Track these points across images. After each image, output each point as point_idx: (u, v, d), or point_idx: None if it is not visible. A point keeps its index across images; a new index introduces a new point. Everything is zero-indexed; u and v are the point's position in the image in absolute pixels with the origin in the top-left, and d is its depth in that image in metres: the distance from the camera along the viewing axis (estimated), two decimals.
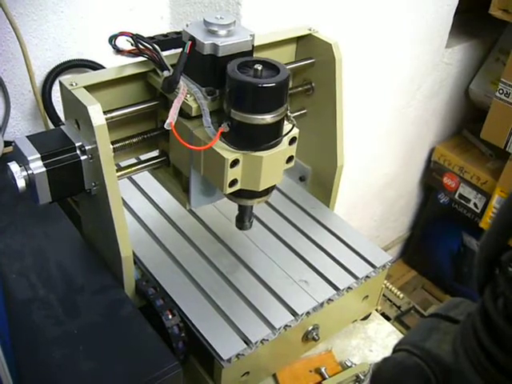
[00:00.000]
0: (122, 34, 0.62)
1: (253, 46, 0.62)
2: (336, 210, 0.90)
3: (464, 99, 1.79)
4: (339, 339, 0.81)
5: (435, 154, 1.78)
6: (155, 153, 0.73)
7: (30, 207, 0.74)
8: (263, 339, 0.66)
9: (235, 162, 0.59)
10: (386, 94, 1.47)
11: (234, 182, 0.61)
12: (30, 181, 0.60)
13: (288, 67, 0.78)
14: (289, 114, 0.62)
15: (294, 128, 0.62)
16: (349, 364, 0.76)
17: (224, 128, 0.59)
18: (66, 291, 0.65)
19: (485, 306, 0.33)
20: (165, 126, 0.59)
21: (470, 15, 1.71)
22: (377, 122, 1.52)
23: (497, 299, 0.32)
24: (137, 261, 0.74)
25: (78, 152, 0.62)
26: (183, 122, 0.63)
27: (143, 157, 0.73)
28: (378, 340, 0.82)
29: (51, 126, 0.95)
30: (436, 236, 1.90)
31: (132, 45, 0.62)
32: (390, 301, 1.21)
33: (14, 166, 0.59)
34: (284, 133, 0.61)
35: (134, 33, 0.62)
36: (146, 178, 0.85)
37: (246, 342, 0.65)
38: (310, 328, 0.73)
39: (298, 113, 0.84)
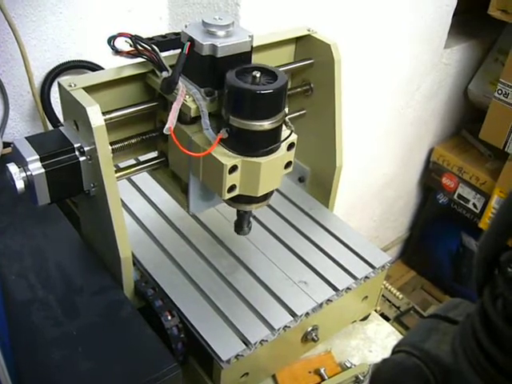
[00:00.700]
0: (120, 34, 0.62)
1: (251, 46, 0.62)
2: (335, 210, 0.90)
3: (463, 100, 1.79)
4: (338, 340, 0.81)
5: (434, 155, 1.78)
6: (154, 154, 0.73)
7: (30, 208, 0.73)
8: (262, 340, 0.66)
9: (234, 168, 0.59)
10: (384, 94, 1.47)
11: (232, 188, 0.61)
12: (29, 182, 0.59)
13: (287, 68, 0.79)
14: (287, 119, 0.62)
15: (293, 134, 0.62)
16: (348, 365, 0.76)
17: (223, 134, 0.58)
18: (65, 292, 0.65)
19: (484, 306, 0.33)
20: (164, 131, 0.59)
21: (469, 16, 1.71)
22: (376, 123, 1.52)
23: (496, 300, 0.32)
24: (136, 262, 0.74)
25: (77, 153, 0.62)
26: (182, 128, 0.63)
27: (142, 158, 0.73)
28: (377, 340, 0.82)
29: (50, 127, 0.95)
30: (435, 236, 1.90)
31: (131, 46, 0.62)
32: (390, 301, 1.21)
33: (12, 168, 0.59)
34: (282, 138, 0.61)
35: (133, 34, 0.62)
36: (144, 179, 0.85)
37: (246, 342, 0.65)
38: (310, 329, 0.73)
39: (297, 113, 0.84)
